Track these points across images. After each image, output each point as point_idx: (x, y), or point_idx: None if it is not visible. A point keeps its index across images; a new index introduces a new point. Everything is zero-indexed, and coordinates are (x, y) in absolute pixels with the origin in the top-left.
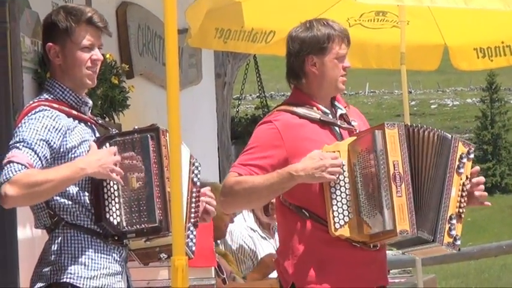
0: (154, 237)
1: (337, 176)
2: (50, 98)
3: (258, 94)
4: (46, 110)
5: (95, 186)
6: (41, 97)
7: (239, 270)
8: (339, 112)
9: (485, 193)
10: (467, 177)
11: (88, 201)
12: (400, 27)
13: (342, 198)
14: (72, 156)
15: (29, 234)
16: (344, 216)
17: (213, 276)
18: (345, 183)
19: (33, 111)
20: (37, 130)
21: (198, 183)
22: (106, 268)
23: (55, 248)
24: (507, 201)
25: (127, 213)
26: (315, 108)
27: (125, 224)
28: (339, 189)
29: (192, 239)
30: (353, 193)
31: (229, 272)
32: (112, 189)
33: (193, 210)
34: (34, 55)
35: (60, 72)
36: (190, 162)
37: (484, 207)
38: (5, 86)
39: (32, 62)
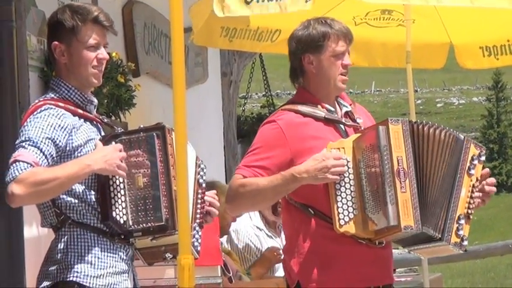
0: (161, 235)
1: (340, 175)
2: (55, 97)
3: (264, 93)
4: (51, 108)
5: (101, 184)
6: (47, 96)
7: (244, 269)
8: (344, 110)
9: (493, 189)
10: (477, 179)
11: (94, 200)
12: (405, 25)
13: (347, 195)
14: (78, 154)
15: (35, 233)
16: (349, 212)
17: (219, 275)
18: (350, 179)
19: (38, 110)
20: (43, 128)
21: (204, 185)
22: (112, 267)
23: (61, 247)
24: None
25: (133, 212)
26: (319, 106)
27: (131, 222)
28: (344, 185)
29: (197, 239)
30: (358, 190)
31: (235, 271)
32: (118, 187)
33: (198, 210)
34: (40, 54)
35: (65, 71)
36: (196, 163)
37: (490, 206)
38: (11, 85)
39: (38, 60)
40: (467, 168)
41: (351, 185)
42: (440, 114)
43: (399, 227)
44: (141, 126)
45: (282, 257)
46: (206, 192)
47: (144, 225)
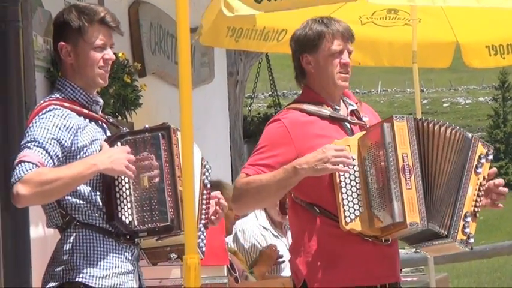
0: (166, 236)
1: (341, 165)
2: (60, 97)
3: (270, 92)
4: (57, 109)
5: (107, 185)
6: (52, 96)
7: (248, 269)
8: (350, 108)
9: (505, 190)
10: (484, 178)
11: (99, 201)
12: (412, 25)
13: (353, 192)
14: (84, 155)
15: (41, 234)
16: (355, 210)
17: (226, 274)
18: (355, 177)
19: (44, 111)
20: (48, 129)
21: (209, 185)
22: (118, 267)
23: (67, 248)
24: None
25: (139, 212)
26: (324, 105)
27: (136, 223)
28: (349, 183)
29: (202, 240)
30: (363, 187)
31: (241, 271)
32: (124, 188)
33: (203, 211)
34: (46, 54)
35: (71, 71)
36: (201, 164)
37: None
38: (17, 85)
39: (45, 60)
40: (474, 166)
41: (356, 183)
42: (447, 114)
43: (405, 223)
44: (147, 126)
45: (283, 259)
46: (212, 193)
47: (150, 225)
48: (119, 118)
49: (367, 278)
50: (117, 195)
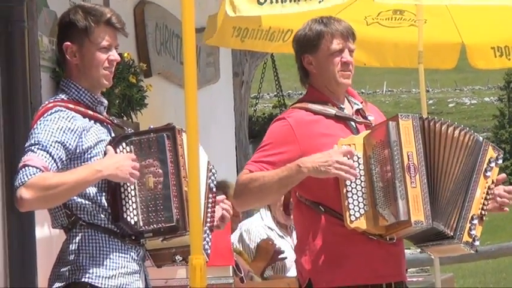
0: (171, 236)
1: (345, 172)
2: (65, 98)
3: (275, 93)
4: (61, 110)
5: (112, 186)
6: (57, 97)
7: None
8: (355, 107)
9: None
10: (493, 182)
11: (105, 201)
12: (417, 25)
13: (358, 190)
14: (89, 156)
15: (47, 234)
16: (360, 208)
17: (231, 275)
18: (360, 176)
19: (48, 112)
20: (52, 132)
21: (214, 189)
22: (124, 267)
23: (73, 248)
24: None
25: (144, 213)
26: (329, 104)
27: (141, 223)
28: (354, 182)
29: (208, 242)
30: (368, 185)
31: (247, 271)
32: (129, 188)
33: (209, 214)
34: (52, 54)
35: (76, 72)
36: (207, 168)
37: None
38: (23, 85)
39: (50, 61)
40: (484, 170)
41: (361, 181)
42: (452, 114)
43: (410, 222)
44: (151, 126)
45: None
46: (218, 197)
47: (155, 226)
48: (124, 118)
49: (372, 276)
50: (123, 196)
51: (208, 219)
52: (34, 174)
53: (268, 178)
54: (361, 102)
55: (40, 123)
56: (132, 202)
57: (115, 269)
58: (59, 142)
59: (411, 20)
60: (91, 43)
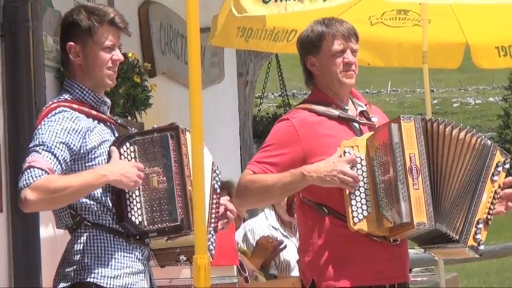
0: (176, 236)
1: (349, 184)
2: (69, 99)
3: (280, 93)
4: (65, 111)
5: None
6: (60, 97)
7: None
8: (359, 109)
9: None
10: (499, 186)
11: (110, 202)
12: (421, 25)
13: (361, 192)
14: (93, 156)
15: (51, 234)
16: (363, 210)
17: (235, 274)
18: (364, 177)
19: (52, 113)
20: (57, 133)
21: (218, 190)
22: (129, 267)
23: (78, 248)
24: None
25: (148, 213)
26: (333, 105)
27: (146, 223)
28: (356, 182)
29: (212, 243)
30: (372, 187)
31: (251, 271)
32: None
33: (213, 215)
34: (56, 54)
35: (80, 72)
36: (212, 169)
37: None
38: (27, 85)
39: (54, 60)
40: (491, 174)
41: (364, 183)
42: (457, 114)
43: (412, 223)
44: (155, 126)
45: (284, 244)
46: (221, 198)
47: (159, 225)
48: (129, 118)
49: (375, 278)
50: (127, 196)
51: (213, 220)
52: (39, 176)
53: (272, 182)
54: (365, 104)
55: (44, 124)
56: (137, 202)
57: (120, 269)
58: (63, 143)
59: (415, 20)
60: (94, 43)
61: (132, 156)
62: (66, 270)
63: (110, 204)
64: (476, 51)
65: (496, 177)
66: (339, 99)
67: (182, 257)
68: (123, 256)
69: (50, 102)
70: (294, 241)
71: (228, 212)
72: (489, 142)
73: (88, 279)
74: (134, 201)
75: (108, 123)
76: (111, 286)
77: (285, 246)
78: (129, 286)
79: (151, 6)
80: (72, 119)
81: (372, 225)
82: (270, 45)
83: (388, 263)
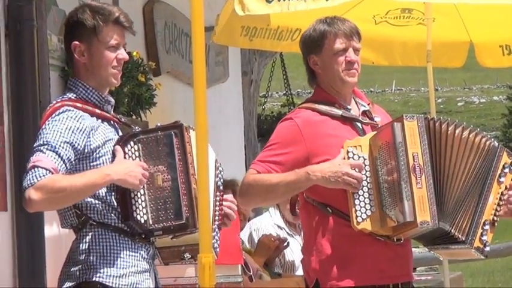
0: (181, 234)
1: (353, 185)
2: (73, 98)
3: (284, 91)
4: (70, 110)
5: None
6: (64, 97)
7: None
8: (362, 109)
9: None
10: (506, 188)
11: (115, 201)
12: (426, 24)
13: (364, 192)
14: (97, 156)
15: (55, 234)
16: (366, 210)
17: (240, 273)
18: (367, 177)
19: (57, 112)
20: (61, 132)
21: (221, 187)
22: (134, 266)
23: (83, 247)
24: None
25: (153, 211)
26: (336, 104)
27: (151, 221)
28: (360, 183)
29: (216, 241)
30: (375, 187)
31: (255, 270)
32: None
33: (217, 213)
34: (61, 53)
35: (84, 71)
36: (215, 166)
37: None
38: (32, 84)
39: (59, 59)
40: (498, 175)
41: (368, 182)
42: (461, 113)
43: (415, 222)
44: (159, 124)
45: (287, 242)
46: (224, 196)
47: (165, 224)
48: (134, 117)
49: (379, 277)
50: (132, 195)
51: (217, 218)
52: (44, 175)
53: (276, 182)
54: (368, 104)
55: (48, 123)
56: (142, 201)
57: (125, 268)
58: (67, 142)
59: (419, 19)
60: (99, 42)
61: (137, 155)
62: (72, 269)
63: (115, 203)
64: (480, 50)
65: (502, 179)
66: (342, 99)
67: (187, 255)
68: (129, 255)
69: (54, 102)
70: (298, 240)
71: (228, 209)
72: (496, 143)
73: (94, 279)
74: (139, 200)
75: (112, 122)
76: (117, 285)
77: (288, 244)
78: (134, 285)
79: (156, 5)
80: (76, 118)
81: (375, 224)
82: (274, 44)
83: (391, 262)
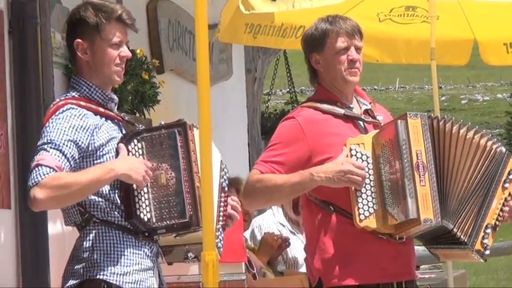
0: (185, 232)
1: (357, 183)
2: (76, 96)
3: (288, 89)
4: (73, 108)
5: (125, 183)
6: (68, 95)
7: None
8: (364, 108)
9: None
10: (509, 194)
11: (118, 199)
12: (430, 22)
13: (367, 190)
14: (101, 154)
15: (59, 231)
16: (369, 207)
17: (243, 271)
18: (370, 175)
19: (60, 110)
20: (65, 130)
21: (226, 189)
22: (138, 264)
23: (87, 245)
24: None
25: (157, 210)
26: (338, 103)
27: (154, 220)
28: (364, 181)
29: (220, 240)
30: (378, 185)
31: (259, 268)
32: None
33: (221, 213)
34: (64, 50)
35: (87, 69)
36: (220, 167)
37: None
38: (35, 82)
39: (63, 57)
40: (503, 181)
41: (370, 180)
42: (465, 110)
43: (419, 220)
44: (162, 123)
45: (288, 243)
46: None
47: (168, 222)
48: (137, 115)
49: (382, 276)
50: (135, 193)
51: (221, 218)
52: (48, 174)
53: (280, 182)
54: (370, 103)
55: (52, 122)
56: (145, 199)
57: (129, 266)
58: (71, 141)
59: (423, 17)
60: (102, 40)
61: (140, 153)
62: (75, 267)
63: (118, 201)
64: (484, 47)
65: (507, 185)
66: (344, 97)
67: (190, 254)
68: (132, 253)
69: (58, 100)
70: (301, 238)
71: (232, 210)
72: (503, 149)
73: (97, 276)
74: (143, 198)
75: (116, 120)
76: (121, 283)
77: (289, 244)
78: (138, 283)
79: (160, 2)
80: (79, 117)
81: (378, 222)
82: (278, 41)
83: (393, 260)
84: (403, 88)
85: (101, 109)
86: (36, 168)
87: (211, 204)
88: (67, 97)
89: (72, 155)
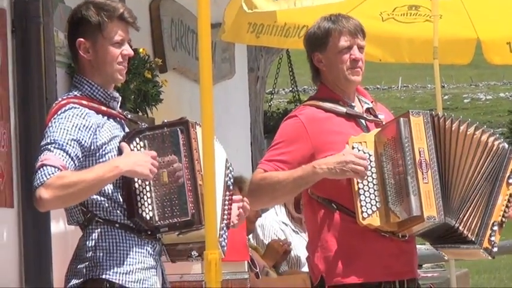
0: (187, 230)
1: (360, 173)
2: (78, 95)
3: (290, 88)
4: (75, 107)
5: (127, 182)
6: (70, 94)
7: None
8: (365, 106)
9: None
10: None
11: (120, 197)
12: (432, 21)
13: (370, 188)
14: (103, 152)
15: (62, 230)
16: (372, 205)
17: (246, 270)
18: (372, 173)
19: (62, 110)
20: (68, 130)
21: (231, 187)
22: (141, 262)
23: (90, 244)
24: None
25: (159, 208)
26: (340, 102)
27: (157, 218)
28: (366, 179)
29: (224, 239)
30: (380, 183)
31: (262, 266)
32: (144, 184)
33: (226, 212)
34: (67, 49)
35: (89, 68)
36: (225, 166)
37: None
38: (38, 81)
39: (65, 56)
40: (507, 177)
41: (373, 178)
42: (467, 109)
43: (422, 217)
44: (165, 121)
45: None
46: (235, 197)
47: (170, 220)
48: (140, 114)
49: (384, 274)
50: (137, 192)
51: (225, 217)
52: (53, 173)
53: (283, 178)
54: (371, 102)
55: (55, 121)
56: (147, 198)
57: (132, 265)
58: (74, 140)
59: (426, 16)
60: (104, 39)
61: (142, 151)
62: (78, 266)
63: (121, 200)
64: (487, 47)
65: (511, 181)
66: (346, 96)
67: (194, 253)
68: (135, 252)
69: (60, 99)
70: (304, 237)
71: (240, 210)
72: (506, 145)
73: (100, 276)
74: (145, 197)
75: (118, 119)
76: (124, 282)
77: (291, 250)
78: (141, 281)
79: (163, 1)
80: (82, 116)
81: (380, 220)
82: (281, 41)
83: (396, 258)
84: (406, 87)
85: (103, 108)
86: (41, 169)
87: (214, 203)
88: (69, 96)
89: (76, 154)
